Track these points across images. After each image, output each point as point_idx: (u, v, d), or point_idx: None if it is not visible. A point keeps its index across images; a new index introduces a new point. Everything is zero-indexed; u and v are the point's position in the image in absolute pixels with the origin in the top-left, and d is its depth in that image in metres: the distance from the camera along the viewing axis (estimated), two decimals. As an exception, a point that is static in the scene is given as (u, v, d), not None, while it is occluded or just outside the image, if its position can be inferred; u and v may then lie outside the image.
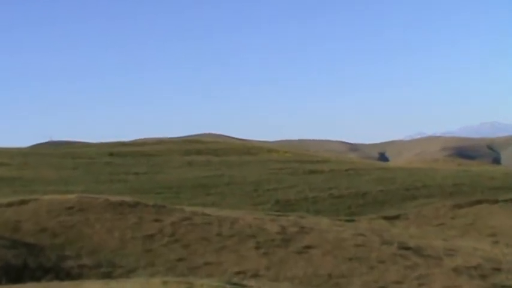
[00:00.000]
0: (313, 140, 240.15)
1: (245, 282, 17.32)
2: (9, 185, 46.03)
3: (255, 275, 21.03)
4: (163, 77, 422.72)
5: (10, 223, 23.82)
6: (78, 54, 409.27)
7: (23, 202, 26.17)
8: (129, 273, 20.62)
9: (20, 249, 21.20)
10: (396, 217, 40.25)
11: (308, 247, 23.37)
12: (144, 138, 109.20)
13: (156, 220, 25.05)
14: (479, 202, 43.57)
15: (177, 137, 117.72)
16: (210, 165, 65.04)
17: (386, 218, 39.70)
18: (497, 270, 22.99)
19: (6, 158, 64.94)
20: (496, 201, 43.62)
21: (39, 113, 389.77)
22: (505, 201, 43.92)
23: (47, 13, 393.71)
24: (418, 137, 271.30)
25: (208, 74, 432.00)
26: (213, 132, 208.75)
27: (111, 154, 73.74)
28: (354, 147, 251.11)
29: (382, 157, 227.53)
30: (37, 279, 19.07)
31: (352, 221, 37.14)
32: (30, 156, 68.89)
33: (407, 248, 24.40)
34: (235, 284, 16.33)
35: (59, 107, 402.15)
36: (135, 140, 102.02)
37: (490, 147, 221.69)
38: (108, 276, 20.22)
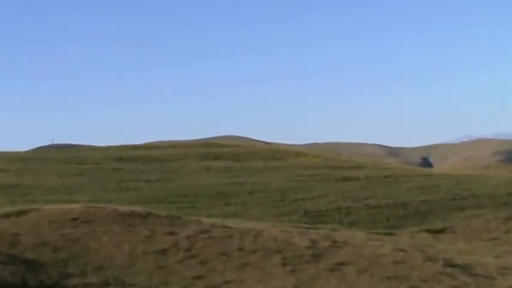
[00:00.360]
0: (347, 143, 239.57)
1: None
2: (6, 193, 46.44)
3: (281, 295, 20.96)
4: (177, 73, 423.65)
5: (7, 236, 24.00)
6: (83, 50, 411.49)
7: (21, 213, 26.37)
8: (139, 292, 20.66)
9: (18, 266, 21.35)
10: (441, 230, 39.95)
11: (341, 264, 23.27)
12: (157, 141, 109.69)
13: (170, 233, 25.11)
14: (536, 214, 43.07)
15: (194, 140, 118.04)
16: (230, 172, 65.11)
17: (430, 231, 39.42)
18: (558, 291, 22.68)
19: (4, 163, 65.59)
20: (555, 213, 43.08)
21: (40, 114, 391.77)
22: None
23: (46, 8, 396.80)
24: (466, 139, 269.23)
25: (226, 70, 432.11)
26: (234, 134, 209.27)
27: (120, 159, 74.18)
28: (393, 152, 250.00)
29: (425, 162, 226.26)
30: (37, 298, 19.16)
31: (391, 234, 36.93)
32: (30, 161, 69.51)
33: (454, 266, 24.19)
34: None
35: (61, 107, 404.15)
36: (147, 143, 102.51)
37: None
38: (116, 295, 20.29)
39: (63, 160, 71.58)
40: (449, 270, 23.45)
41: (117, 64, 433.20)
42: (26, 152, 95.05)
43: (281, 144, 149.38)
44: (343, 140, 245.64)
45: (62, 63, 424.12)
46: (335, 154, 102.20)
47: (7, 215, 26.02)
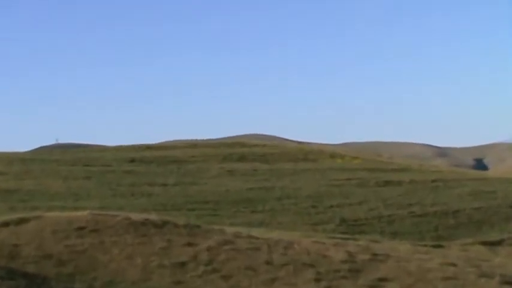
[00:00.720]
0: (389, 143, 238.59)
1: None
2: (5, 199, 46.83)
3: (315, 316, 20.92)
4: (195, 66, 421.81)
5: (6, 247, 24.17)
6: (91, 40, 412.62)
7: (22, 221, 26.54)
8: (154, 311, 20.74)
9: (18, 281, 21.50)
10: (498, 242, 39.68)
11: (383, 280, 23.17)
12: (174, 141, 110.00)
13: (189, 244, 25.16)
14: None
15: (215, 139, 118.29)
16: (256, 175, 65.12)
17: (484, 243, 39.17)
18: None
19: (2, 165, 66.16)
20: None
21: (43, 110, 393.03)
22: None
23: (48, 2, 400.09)
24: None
25: (250, 63, 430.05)
26: (260, 132, 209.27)
27: (132, 160, 74.55)
28: (442, 152, 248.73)
29: (479, 164, 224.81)
30: (40, 317, 19.26)
31: (440, 246, 36.75)
32: (32, 162, 70.05)
33: (513, 283, 24.00)
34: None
35: (67, 103, 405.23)
36: (162, 143, 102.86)
37: None
38: (128, 314, 20.36)
39: (68, 162, 72.06)
40: None
41: (128, 57, 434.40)
42: (26, 152, 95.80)
43: (314, 143, 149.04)
44: (384, 139, 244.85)
45: (67, 55, 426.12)
46: (375, 155, 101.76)
47: (5, 224, 26.21)
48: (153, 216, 28.81)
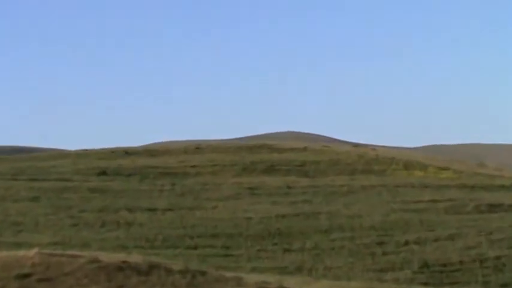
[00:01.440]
0: (496, 146, 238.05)
1: None
2: None
3: None
4: (205, 41, 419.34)
5: None
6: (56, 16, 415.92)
7: None
8: None
9: None
10: None
11: None
12: (166, 142, 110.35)
13: (189, 300, 25.20)
14: None
15: (229, 140, 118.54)
16: (292, 194, 65.11)
17: None
18: None
19: None
20: None
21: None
22: None
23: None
24: None
25: (285, 33, 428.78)
26: (297, 130, 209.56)
27: (102, 172, 74.66)
28: None
29: None
30: None
31: None
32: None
33: None
34: None
35: (2, 90, 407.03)
36: (149, 146, 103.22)
37: None
38: None
39: (5, 174, 72.37)
40: None
41: (103, 31, 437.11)
42: None
43: (378, 147, 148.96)
44: (487, 141, 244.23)
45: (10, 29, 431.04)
46: (475, 164, 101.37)
47: None
48: (134, 258, 28.84)
